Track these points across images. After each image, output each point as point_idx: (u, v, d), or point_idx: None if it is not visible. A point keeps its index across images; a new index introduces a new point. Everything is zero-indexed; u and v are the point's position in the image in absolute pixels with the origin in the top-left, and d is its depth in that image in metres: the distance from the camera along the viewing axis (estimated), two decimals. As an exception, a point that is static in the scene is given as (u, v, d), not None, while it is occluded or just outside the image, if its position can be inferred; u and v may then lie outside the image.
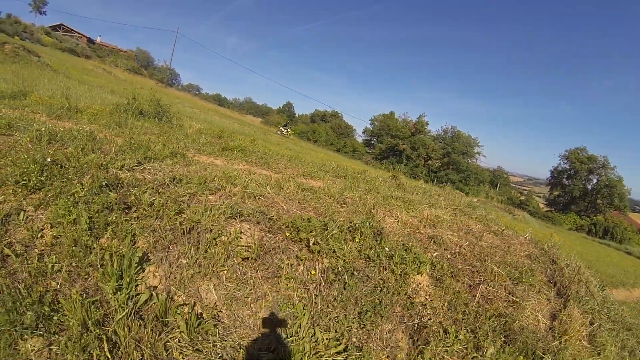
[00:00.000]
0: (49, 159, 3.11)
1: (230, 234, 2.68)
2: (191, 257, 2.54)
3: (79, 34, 55.73)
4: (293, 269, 2.66)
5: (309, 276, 2.66)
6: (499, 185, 61.30)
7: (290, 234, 2.81)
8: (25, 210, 2.77)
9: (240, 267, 2.60)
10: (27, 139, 3.52)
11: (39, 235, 2.69)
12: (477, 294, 3.07)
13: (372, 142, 59.54)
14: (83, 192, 2.84)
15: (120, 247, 2.55)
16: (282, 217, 2.99)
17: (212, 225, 2.69)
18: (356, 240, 2.92)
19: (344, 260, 2.78)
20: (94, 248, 2.61)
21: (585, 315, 3.41)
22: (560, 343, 2.99)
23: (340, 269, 2.73)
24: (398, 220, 3.53)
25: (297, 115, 72.08)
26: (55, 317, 2.32)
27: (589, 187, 54.74)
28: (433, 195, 5.20)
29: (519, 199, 58.21)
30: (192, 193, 3.06)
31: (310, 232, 2.81)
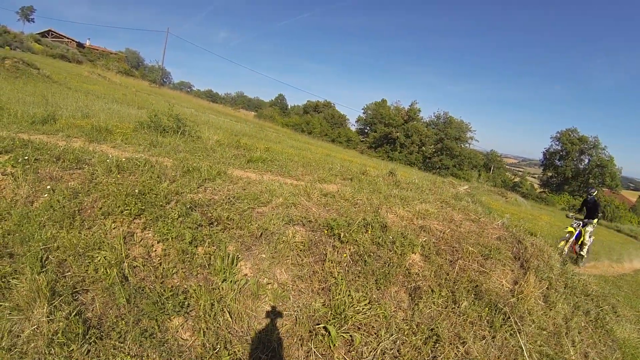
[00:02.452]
0: (137, 190, 3.96)
1: (289, 235, 3.88)
2: (267, 253, 3.72)
3: (68, 38, 54.67)
4: (331, 254, 3.95)
5: (342, 258, 3.98)
6: (492, 168, 58.72)
7: (327, 231, 4.07)
8: (135, 233, 3.70)
9: (298, 256, 3.84)
10: (101, 172, 4.24)
11: (153, 249, 3.67)
12: (456, 267, 4.08)
13: (366, 130, 58.35)
14: (176, 215, 3.81)
15: (217, 251, 3.64)
16: (318, 220, 4.22)
17: (276, 229, 3.86)
18: (369, 232, 4.22)
19: (363, 246, 4.11)
20: (197, 254, 3.66)
21: (543, 282, 4.04)
22: (517, 300, 3.69)
23: (361, 252, 4.06)
24: (397, 215, 4.73)
25: (289, 106, 69.80)
26: (186, 302, 3.41)
27: (581, 167, 53.53)
28: (424, 191, 6.20)
29: (512, 182, 55.63)
30: (252, 207, 4.16)
31: (340, 228, 4.08)
